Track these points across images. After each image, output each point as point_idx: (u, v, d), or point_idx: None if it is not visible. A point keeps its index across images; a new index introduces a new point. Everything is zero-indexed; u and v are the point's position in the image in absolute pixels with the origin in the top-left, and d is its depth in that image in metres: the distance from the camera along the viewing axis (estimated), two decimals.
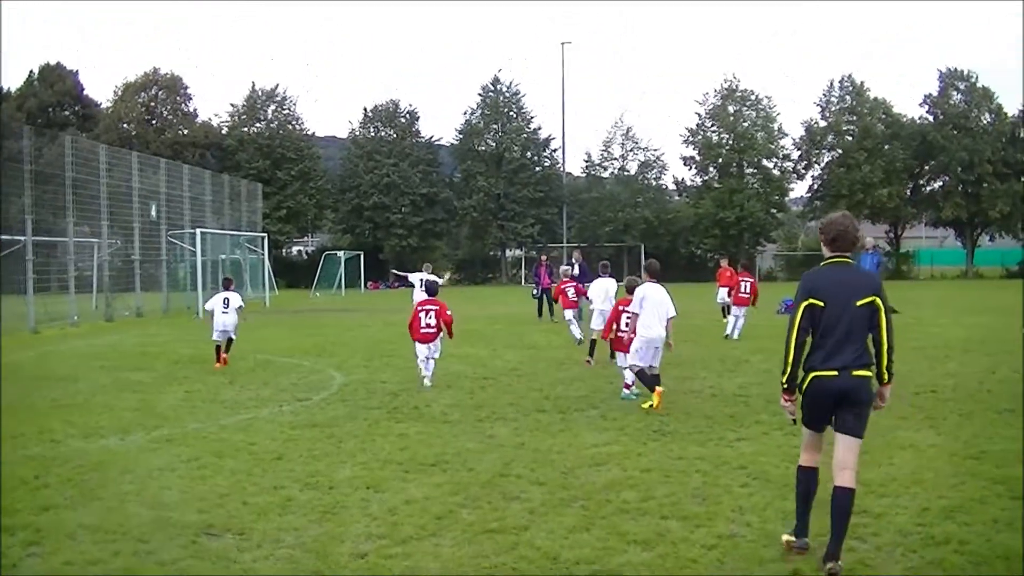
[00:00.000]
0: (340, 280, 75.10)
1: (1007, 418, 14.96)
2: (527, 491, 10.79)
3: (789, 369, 8.45)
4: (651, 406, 16.10)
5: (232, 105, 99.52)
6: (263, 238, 64.95)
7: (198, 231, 49.74)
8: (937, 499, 10.17)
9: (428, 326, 19.62)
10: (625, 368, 17.59)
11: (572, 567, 8.26)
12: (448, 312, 19.79)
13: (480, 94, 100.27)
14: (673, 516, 9.68)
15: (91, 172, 44.07)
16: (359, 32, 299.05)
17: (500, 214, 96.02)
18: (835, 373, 8.21)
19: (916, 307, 40.83)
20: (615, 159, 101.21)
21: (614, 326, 18.39)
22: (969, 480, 10.96)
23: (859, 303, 8.24)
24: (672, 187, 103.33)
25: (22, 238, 38.94)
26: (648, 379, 16.59)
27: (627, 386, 17.60)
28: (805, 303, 8.34)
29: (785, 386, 8.59)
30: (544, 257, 43.01)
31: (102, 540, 9.15)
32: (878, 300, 8.30)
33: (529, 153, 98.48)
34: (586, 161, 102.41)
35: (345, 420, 15.54)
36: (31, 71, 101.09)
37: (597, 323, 23.51)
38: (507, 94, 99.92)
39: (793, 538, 8.65)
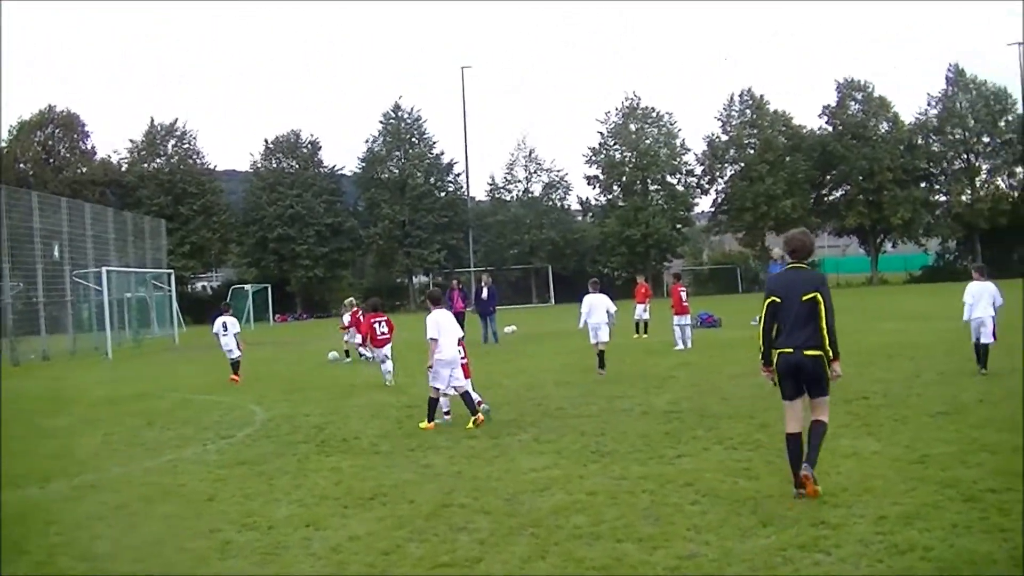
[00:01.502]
0: (248, 314, 74.33)
1: (940, 421, 14.95)
2: (473, 521, 10.42)
3: (762, 349, 11.08)
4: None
5: (131, 141, 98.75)
6: (169, 274, 64.08)
7: (103, 270, 48.86)
8: (892, 506, 10.00)
9: (383, 333, 25.25)
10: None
11: None
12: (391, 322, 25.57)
13: (381, 121, 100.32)
14: (628, 539, 9.38)
15: None
16: (256, 63, 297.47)
17: (406, 241, 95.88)
18: (791, 350, 10.76)
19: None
20: (519, 181, 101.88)
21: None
22: (919, 485, 10.81)
23: (804, 298, 10.72)
24: (577, 207, 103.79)
25: None
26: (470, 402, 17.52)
27: (446, 413, 18.04)
28: (768, 300, 11.00)
29: (763, 361, 11.13)
30: (456, 281, 43.03)
31: None
32: (819, 295, 10.70)
33: (433, 179, 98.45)
34: (490, 184, 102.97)
35: (274, 456, 15.06)
36: None
37: (592, 337, 25.32)
38: (408, 120, 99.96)
39: (797, 490, 10.67)
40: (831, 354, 10.71)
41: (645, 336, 36.40)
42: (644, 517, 10.17)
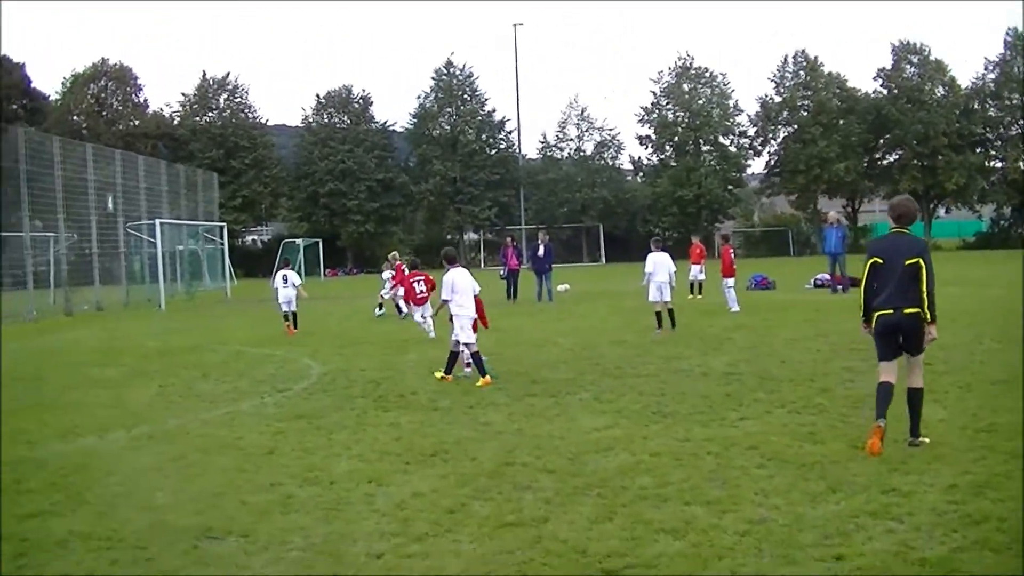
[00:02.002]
0: (300, 268, 74.33)
1: (1003, 389, 14.68)
2: (537, 480, 10.28)
3: (862, 309, 11.57)
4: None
5: (183, 95, 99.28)
6: (221, 228, 64.23)
7: (157, 222, 49.00)
8: (962, 475, 9.76)
9: (421, 292, 25.09)
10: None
11: (604, 560, 7.76)
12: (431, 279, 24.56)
13: (433, 77, 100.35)
14: (696, 502, 9.21)
15: (44, 165, 43.17)
16: (309, 17, 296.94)
17: (457, 197, 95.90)
18: (891, 311, 11.17)
19: None
20: (571, 140, 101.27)
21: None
22: (988, 454, 10.57)
23: (908, 262, 11.08)
24: (629, 167, 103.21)
25: None
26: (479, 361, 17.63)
27: (467, 364, 18.16)
28: (871, 261, 11.43)
29: (863, 319, 11.61)
30: (511, 239, 42.89)
31: (96, 548, 8.57)
32: (921, 260, 11.06)
33: (484, 136, 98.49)
34: (542, 142, 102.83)
35: (331, 410, 14.99)
36: None
37: (655, 295, 25.02)
38: (460, 77, 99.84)
39: (881, 421, 11.00)
40: (929, 317, 11.12)
41: (700, 297, 36.10)
42: (710, 480, 10.01)
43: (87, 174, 47.21)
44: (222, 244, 63.19)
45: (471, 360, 17.75)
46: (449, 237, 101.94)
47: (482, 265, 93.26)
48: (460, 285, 17.88)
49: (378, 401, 15.78)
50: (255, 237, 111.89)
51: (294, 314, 29.30)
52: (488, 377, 17.20)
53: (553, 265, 40.02)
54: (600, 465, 10.81)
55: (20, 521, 9.51)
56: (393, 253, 36.86)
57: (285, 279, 29.48)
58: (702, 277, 37.38)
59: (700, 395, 15.07)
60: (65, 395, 18.23)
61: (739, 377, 16.82)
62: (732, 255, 32.07)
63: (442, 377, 17.70)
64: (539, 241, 40.23)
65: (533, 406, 14.77)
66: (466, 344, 17.69)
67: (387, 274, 34.45)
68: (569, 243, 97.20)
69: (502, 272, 40.46)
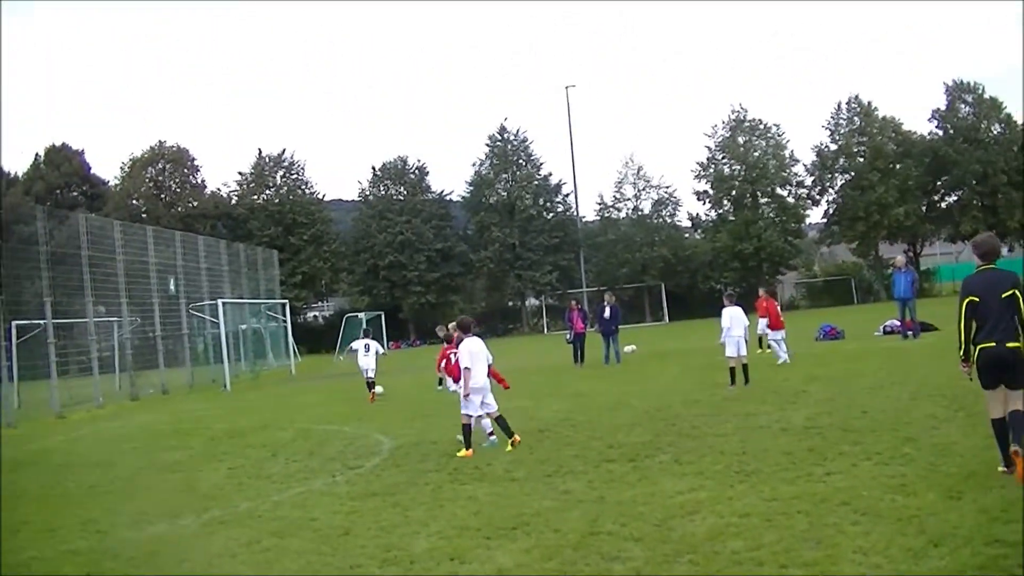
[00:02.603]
0: None
1: None
2: (626, 549, 9.90)
3: (963, 346, 12.00)
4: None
5: (240, 173, 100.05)
6: (283, 305, 64.41)
7: (219, 302, 49.04)
8: None
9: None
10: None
11: None
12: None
13: (487, 144, 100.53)
14: (792, 564, 8.84)
15: (105, 250, 43.59)
16: (360, 91, 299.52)
17: (517, 263, 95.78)
18: (993, 344, 11.63)
19: (952, 322, 39.95)
20: (628, 199, 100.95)
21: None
22: None
23: (1004, 295, 11.62)
24: (687, 223, 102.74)
25: (42, 321, 38.46)
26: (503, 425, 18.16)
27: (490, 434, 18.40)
28: (967, 300, 11.93)
29: (963, 358, 12.05)
30: (575, 302, 42.65)
31: None
32: (1016, 292, 11.56)
33: (541, 200, 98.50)
34: (599, 203, 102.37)
35: (406, 486, 14.66)
36: (36, 154, 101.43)
37: (732, 350, 24.89)
38: (515, 142, 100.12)
39: (1005, 468, 11.57)
40: None
41: (769, 351, 35.65)
42: (804, 540, 9.60)
43: (148, 257, 47.57)
44: (285, 321, 63.34)
45: (498, 425, 18.22)
46: (511, 304, 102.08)
47: (545, 330, 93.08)
48: (476, 354, 18.15)
49: (453, 474, 15.43)
50: (315, 313, 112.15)
51: (372, 382, 31.16)
52: (517, 436, 17.88)
53: (619, 326, 39.69)
54: (688, 530, 10.41)
55: None
56: (451, 324, 36.62)
57: (367, 347, 31.53)
58: (770, 331, 36.95)
59: (782, 451, 14.63)
60: (134, 480, 18.10)
61: (820, 431, 16.35)
62: (778, 308, 32.03)
63: (464, 454, 17.44)
64: (605, 303, 39.88)
65: (612, 471, 14.37)
66: (488, 413, 18.27)
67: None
68: (631, 303, 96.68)
69: (568, 336, 40.19)
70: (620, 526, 10.87)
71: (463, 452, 17.35)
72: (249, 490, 15.87)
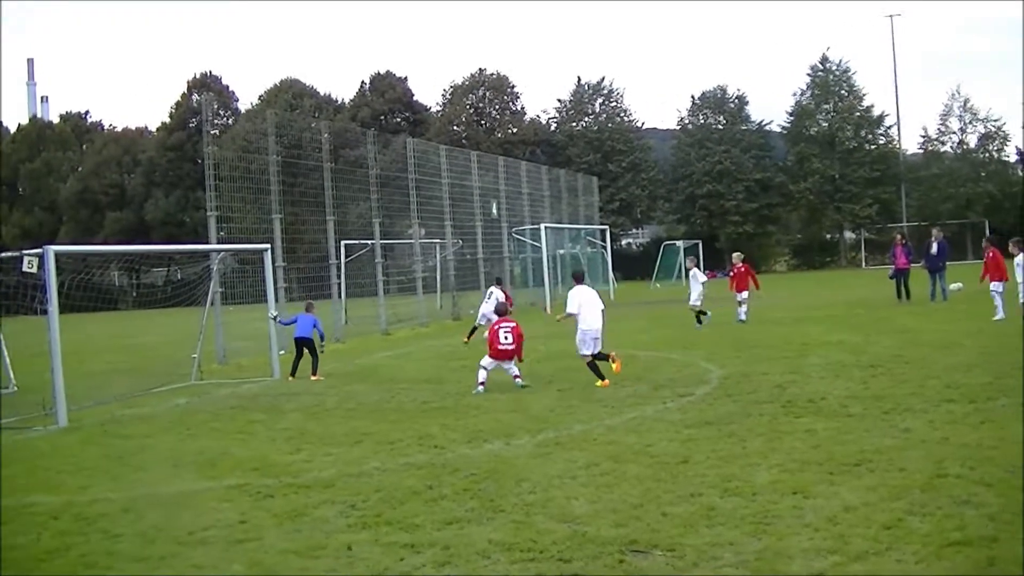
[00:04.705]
0: (680, 270, 74.07)
1: None
2: (977, 494, 9.35)
3: None
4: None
5: (559, 100, 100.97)
6: (603, 231, 64.60)
7: (542, 226, 49.50)
8: None
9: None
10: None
11: None
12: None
13: (809, 74, 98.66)
14: None
15: (429, 172, 44.62)
16: (678, 20, 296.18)
17: (836, 196, 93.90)
18: None
19: None
20: (953, 132, 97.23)
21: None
22: None
23: None
24: (1016, 159, 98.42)
25: (369, 241, 39.53)
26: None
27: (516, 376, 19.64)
28: None
29: None
30: (900, 236, 41.08)
31: (519, 560, 8.27)
32: None
33: (863, 132, 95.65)
34: (923, 136, 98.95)
35: (740, 416, 14.41)
36: (362, 81, 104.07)
37: None
38: (836, 72, 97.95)
39: None
40: None
41: None
42: None
43: (471, 181, 48.36)
44: (604, 247, 63.48)
45: (518, 376, 19.63)
46: (828, 236, 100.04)
47: (862, 264, 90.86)
48: (587, 301, 19.79)
49: (787, 406, 15.07)
50: (631, 240, 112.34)
51: (474, 328, 30.80)
52: (606, 381, 18.98)
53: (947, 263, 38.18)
54: None
55: (440, 528, 9.37)
56: (737, 254, 35.71)
57: (490, 295, 31.41)
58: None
59: None
60: (466, 399, 18.32)
61: None
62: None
63: (601, 384, 18.87)
64: (932, 238, 38.37)
65: (953, 412, 13.74)
66: (582, 356, 19.69)
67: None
68: (953, 240, 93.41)
69: (890, 272, 38.91)
70: (968, 469, 10.32)
71: (600, 383, 18.83)
72: (581, 413, 15.90)
